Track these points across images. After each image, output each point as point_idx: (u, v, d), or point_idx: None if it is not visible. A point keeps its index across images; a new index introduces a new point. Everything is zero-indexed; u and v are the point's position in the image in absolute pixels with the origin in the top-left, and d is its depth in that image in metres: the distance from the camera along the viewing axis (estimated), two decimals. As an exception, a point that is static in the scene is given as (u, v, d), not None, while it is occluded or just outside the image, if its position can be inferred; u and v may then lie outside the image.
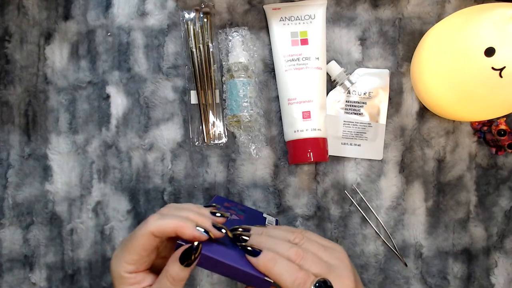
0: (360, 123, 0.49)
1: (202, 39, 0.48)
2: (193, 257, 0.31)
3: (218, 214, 0.35)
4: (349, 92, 0.49)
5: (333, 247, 0.35)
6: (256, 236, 0.35)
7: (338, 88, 0.49)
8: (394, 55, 0.50)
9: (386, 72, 0.49)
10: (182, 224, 0.32)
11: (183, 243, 0.32)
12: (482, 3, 0.47)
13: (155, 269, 0.34)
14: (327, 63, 0.49)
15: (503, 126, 0.48)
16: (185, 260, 0.31)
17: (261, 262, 0.32)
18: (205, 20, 0.48)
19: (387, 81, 0.49)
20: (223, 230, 0.33)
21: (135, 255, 0.32)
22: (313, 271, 0.32)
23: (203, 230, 0.32)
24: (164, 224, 0.32)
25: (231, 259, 0.32)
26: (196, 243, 0.31)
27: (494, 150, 0.50)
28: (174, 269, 0.31)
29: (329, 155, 0.49)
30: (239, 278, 0.33)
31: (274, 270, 0.32)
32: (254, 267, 0.32)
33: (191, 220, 0.32)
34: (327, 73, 0.49)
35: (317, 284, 0.31)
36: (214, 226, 0.33)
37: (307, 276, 0.31)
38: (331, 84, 0.49)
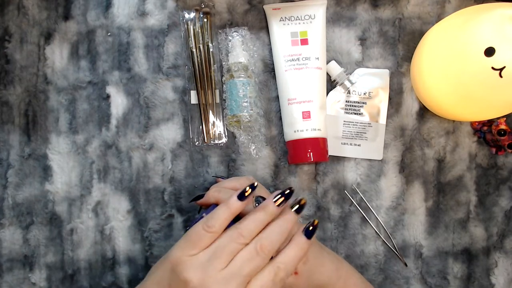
0: (360, 123, 0.49)
1: (202, 39, 0.48)
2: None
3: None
4: (349, 92, 0.49)
5: None
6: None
7: (338, 88, 0.49)
8: (394, 55, 0.50)
9: (386, 72, 0.49)
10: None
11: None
12: (482, 3, 0.47)
13: None
14: (327, 63, 0.49)
15: (503, 126, 0.48)
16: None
17: (209, 193, 0.40)
18: (205, 20, 0.48)
19: (387, 81, 0.49)
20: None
21: None
22: None
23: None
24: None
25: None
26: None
27: (494, 150, 0.50)
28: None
29: (329, 155, 0.49)
30: None
31: (219, 196, 0.39)
32: (205, 204, 0.40)
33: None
34: (327, 73, 0.49)
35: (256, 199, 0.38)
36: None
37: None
38: (331, 84, 0.49)
